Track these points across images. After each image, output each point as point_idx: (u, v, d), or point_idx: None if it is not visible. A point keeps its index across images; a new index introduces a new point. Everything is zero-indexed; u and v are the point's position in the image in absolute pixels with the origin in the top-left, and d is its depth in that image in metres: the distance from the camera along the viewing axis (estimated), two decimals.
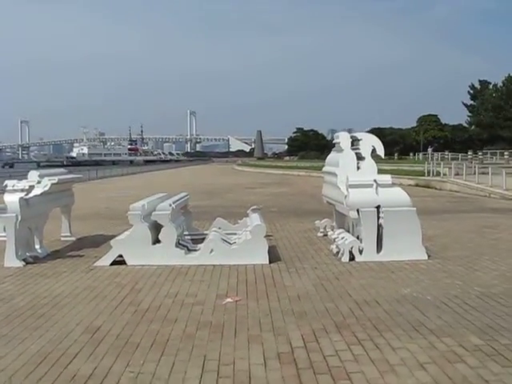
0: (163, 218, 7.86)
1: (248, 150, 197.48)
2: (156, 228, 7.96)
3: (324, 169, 10.53)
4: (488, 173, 22.02)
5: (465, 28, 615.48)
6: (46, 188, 8.48)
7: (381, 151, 9.43)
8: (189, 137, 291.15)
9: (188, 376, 3.89)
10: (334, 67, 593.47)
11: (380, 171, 9.26)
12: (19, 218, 7.82)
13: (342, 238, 8.36)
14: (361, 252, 7.96)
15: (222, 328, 4.94)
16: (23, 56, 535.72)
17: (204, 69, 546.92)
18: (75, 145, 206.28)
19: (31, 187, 8.30)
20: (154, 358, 4.23)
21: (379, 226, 8.00)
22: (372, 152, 9.39)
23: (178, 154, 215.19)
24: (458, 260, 7.93)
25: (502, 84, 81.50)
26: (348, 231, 9.00)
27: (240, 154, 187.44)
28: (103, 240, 9.65)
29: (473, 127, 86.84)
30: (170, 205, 8.15)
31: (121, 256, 7.83)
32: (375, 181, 8.25)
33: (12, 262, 7.77)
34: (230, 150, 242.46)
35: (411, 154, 71.98)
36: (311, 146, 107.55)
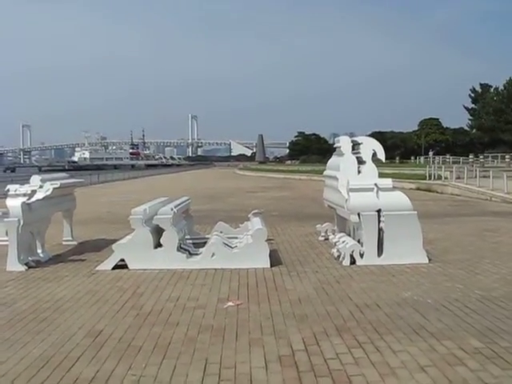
0: (165, 222, 7.89)
1: (249, 154, 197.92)
2: (158, 232, 7.98)
3: (325, 173, 10.55)
4: (489, 176, 22.03)
5: (466, 32, 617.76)
6: (48, 192, 8.51)
7: (381, 155, 9.44)
8: (190, 141, 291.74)
9: (190, 379, 3.91)
10: (336, 71, 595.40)
11: (381, 175, 9.27)
12: (21, 223, 7.85)
13: (343, 242, 8.38)
14: (362, 256, 7.98)
15: (224, 331, 4.96)
16: (24, 59, 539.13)
17: (205, 73, 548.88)
18: (77, 149, 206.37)
19: (33, 192, 8.32)
20: (156, 361, 4.25)
21: (380, 230, 8.02)
22: (373, 156, 9.41)
23: (179, 158, 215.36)
24: (458, 263, 7.94)
25: (503, 87, 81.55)
26: (349, 235, 9.03)
27: (241, 158, 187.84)
28: (105, 244, 9.68)
29: (474, 131, 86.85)
30: (172, 209, 8.17)
31: (123, 260, 7.85)
32: (376, 185, 8.28)
33: (14, 266, 7.80)
34: (232, 154, 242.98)
35: (412, 158, 72.04)
36: (313, 150, 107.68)
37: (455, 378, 3.84)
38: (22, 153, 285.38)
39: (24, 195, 8.14)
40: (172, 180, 46.70)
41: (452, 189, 24.57)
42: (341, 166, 9.28)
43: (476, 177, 23.91)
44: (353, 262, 7.94)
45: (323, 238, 10.34)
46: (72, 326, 5.17)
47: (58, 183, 8.95)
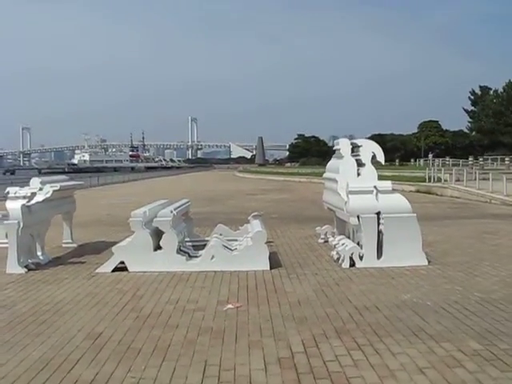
0: (164, 224, 7.90)
1: (249, 157, 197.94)
2: (157, 234, 7.99)
3: (324, 175, 10.57)
4: (489, 179, 22.04)
5: (465, 34, 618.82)
6: (48, 195, 8.52)
7: (381, 157, 9.46)
8: (190, 143, 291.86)
9: (189, 381, 3.91)
10: (336, 73, 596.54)
11: (381, 177, 9.29)
12: (21, 225, 7.86)
13: (343, 244, 8.39)
14: (361, 258, 7.99)
15: (223, 334, 4.97)
16: (24, 60, 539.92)
17: (205, 75, 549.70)
18: (76, 151, 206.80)
19: (33, 194, 8.34)
20: (156, 363, 4.26)
21: (379, 232, 8.03)
22: (372, 158, 9.43)
23: (179, 160, 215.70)
24: (458, 266, 7.95)
25: (502, 90, 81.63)
26: (349, 237, 9.04)
27: (241, 160, 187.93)
28: (105, 247, 9.69)
29: (473, 133, 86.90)
30: (172, 211, 8.18)
31: (122, 262, 7.86)
32: (375, 187, 8.29)
33: (14, 268, 7.81)
34: (232, 156, 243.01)
35: (412, 160, 72.10)
36: (312, 153, 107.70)
37: (454, 380, 3.84)
38: (21, 155, 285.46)
39: (24, 198, 8.15)
40: (172, 182, 46.71)
41: (452, 191, 24.60)
42: (340, 168, 9.30)
43: (476, 179, 23.92)
44: (352, 264, 7.95)
45: (323, 241, 10.35)
46: (72, 329, 5.18)
47: (57, 186, 8.97)
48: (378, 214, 8.04)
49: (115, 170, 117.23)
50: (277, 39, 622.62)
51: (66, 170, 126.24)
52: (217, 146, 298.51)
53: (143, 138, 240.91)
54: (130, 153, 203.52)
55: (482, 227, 12.58)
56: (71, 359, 4.36)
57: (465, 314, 5.46)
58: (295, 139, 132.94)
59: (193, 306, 5.95)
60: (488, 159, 52.69)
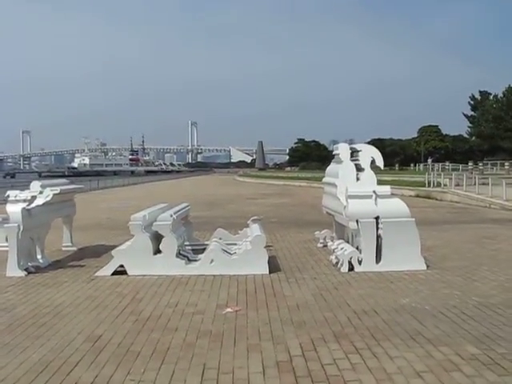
0: (164, 228, 7.92)
1: (249, 161, 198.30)
2: (157, 238, 8.01)
3: (324, 180, 10.60)
4: (488, 183, 22.10)
5: (465, 41, 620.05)
6: (48, 198, 8.55)
7: (380, 162, 9.49)
8: (190, 147, 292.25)
9: None
10: (336, 78, 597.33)
11: (381, 182, 9.32)
12: (21, 228, 7.89)
13: (342, 249, 8.41)
14: (360, 262, 8.01)
15: (222, 337, 4.99)
16: (24, 64, 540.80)
17: (205, 79, 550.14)
18: (76, 155, 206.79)
19: (33, 197, 8.37)
20: (155, 366, 4.28)
21: (378, 237, 8.06)
22: (372, 163, 9.46)
23: (179, 164, 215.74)
24: (456, 270, 7.97)
25: (502, 95, 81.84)
26: (347, 242, 9.06)
27: (241, 164, 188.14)
28: (104, 250, 9.71)
29: (473, 138, 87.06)
30: (171, 215, 8.21)
31: (122, 266, 7.88)
32: (374, 192, 8.32)
33: (14, 271, 7.83)
34: (232, 160, 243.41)
35: (412, 165, 72.20)
36: (312, 157, 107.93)
37: None
38: (21, 159, 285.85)
39: (24, 201, 8.18)
40: (171, 186, 46.75)
41: (451, 196, 24.63)
42: (339, 173, 9.32)
43: (475, 184, 23.97)
44: (351, 268, 7.97)
45: (322, 245, 10.37)
46: (71, 331, 5.20)
47: (57, 189, 8.99)
48: (377, 218, 8.07)
49: (115, 173, 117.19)
50: (277, 44, 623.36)
51: (66, 173, 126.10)
52: (217, 150, 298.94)
53: (143, 141, 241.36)
54: (130, 156, 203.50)
55: (481, 232, 12.60)
56: (71, 362, 4.38)
57: (463, 319, 5.48)
58: (295, 143, 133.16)
59: (192, 309, 5.97)
60: (488, 164, 52.82)
